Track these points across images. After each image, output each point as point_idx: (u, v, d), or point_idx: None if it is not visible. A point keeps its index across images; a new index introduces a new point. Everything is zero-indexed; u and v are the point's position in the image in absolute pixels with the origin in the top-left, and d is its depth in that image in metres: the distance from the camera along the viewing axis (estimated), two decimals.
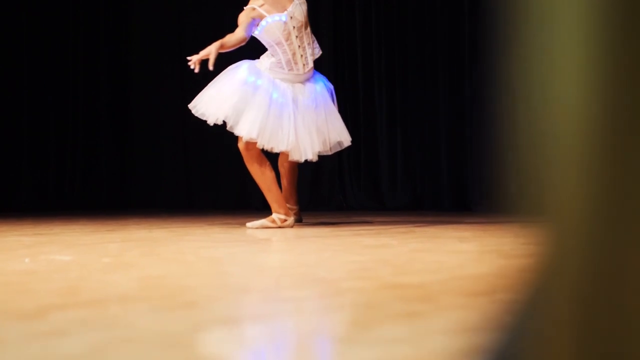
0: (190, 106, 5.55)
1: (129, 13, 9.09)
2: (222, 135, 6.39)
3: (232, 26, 5.60)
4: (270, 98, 5.47)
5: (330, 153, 5.72)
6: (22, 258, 3.53)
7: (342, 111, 5.83)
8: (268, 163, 5.57)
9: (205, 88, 5.58)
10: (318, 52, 5.71)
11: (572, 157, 0.70)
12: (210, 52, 5.42)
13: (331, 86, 5.77)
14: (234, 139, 5.64)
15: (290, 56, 5.56)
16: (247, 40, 5.54)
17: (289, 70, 5.57)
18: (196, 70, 5.44)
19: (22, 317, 2.01)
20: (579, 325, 0.69)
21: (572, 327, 0.69)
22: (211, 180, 8.68)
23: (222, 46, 5.48)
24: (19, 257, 3.58)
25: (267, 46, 5.62)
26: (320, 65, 6.00)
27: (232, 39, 5.52)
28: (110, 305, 2.20)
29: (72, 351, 1.60)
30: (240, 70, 5.57)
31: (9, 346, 1.67)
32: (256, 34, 5.56)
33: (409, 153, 7.81)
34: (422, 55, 7.76)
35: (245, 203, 8.24)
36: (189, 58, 5.49)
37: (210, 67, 5.38)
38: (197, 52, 5.48)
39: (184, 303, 2.26)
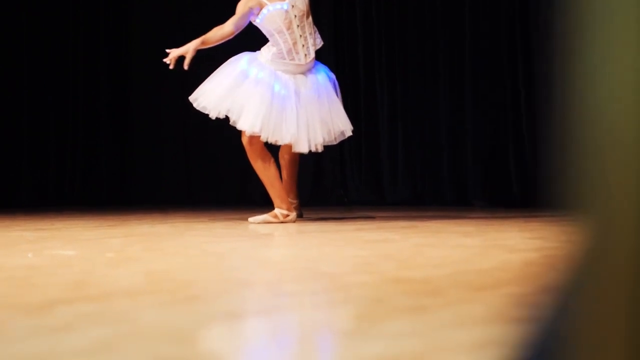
0: (190, 99, 5.52)
1: (129, 13, 9.07)
2: (223, 131, 6.37)
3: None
4: (272, 91, 5.45)
5: (335, 143, 5.70)
6: (25, 253, 3.52)
7: (343, 104, 5.80)
8: (271, 158, 5.56)
9: (206, 80, 5.54)
10: (319, 42, 5.67)
11: (624, 153, 0.69)
12: (187, 50, 5.35)
13: (333, 76, 5.73)
14: (235, 133, 5.63)
15: (291, 45, 5.53)
16: (235, 34, 5.46)
17: (290, 60, 5.54)
18: (171, 67, 5.39)
19: (28, 311, 2.00)
20: (627, 320, 0.68)
21: (619, 321, 0.68)
22: (212, 179, 8.66)
23: (203, 43, 5.40)
24: (22, 252, 3.58)
25: (267, 35, 5.58)
26: (320, 61, 5.97)
27: (217, 35, 5.44)
28: (115, 300, 2.20)
29: (78, 346, 1.60)
30: (241, 62, 5.54)
31: (16, 341, 1.66)
32: (257, 22, 5.53)
33: (410, 148, 7.81)
34: (423, 52, 7.75)
35: (246, 199, 8.23)
36: (168, 50, 5.43)
37: (185, 67, 5.30)
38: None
39: (188, 297, 2.26)
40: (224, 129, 5.79)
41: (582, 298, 0.70)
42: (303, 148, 5.45)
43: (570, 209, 0.72)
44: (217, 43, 5.46)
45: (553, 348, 0.71)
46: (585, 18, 0.72)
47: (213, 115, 5.45)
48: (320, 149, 5.54)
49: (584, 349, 0.69)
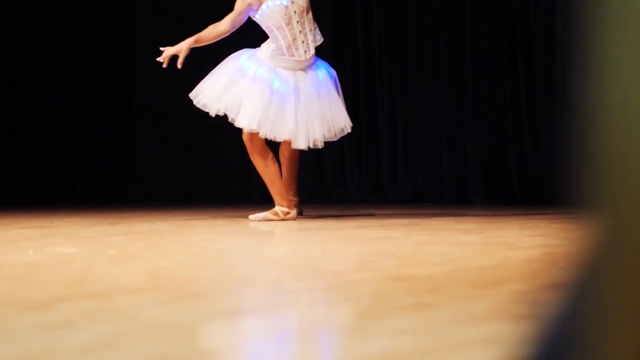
0: (191, 96, 5.51)
1: (129, 13, 9.05)
2: (222, 131, 6.36)
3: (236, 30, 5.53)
4: (270, 87, 5.43)
5: (335, 139, 5.69)
6: (26, 250, 3.52)
7: (345, 101, 5.78)
8: (272, 155, 5.55)
9: (206, 77, 5.54)
10: (320, 38, 5.65)
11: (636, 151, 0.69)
12: (180, 49, 5.36)
13: (334, 72, 5.71)
14: (235, 131, 5.61)
15: (290, 41, 5.51)
16: (231, 32, 5.45)
17: (290, 56, 5.52)
18: (164, 66, 5.40)
19: (29, 308, 2.00)
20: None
21: (631, 319, 0.67)
22: (211, 178, 8.65)
23: (197, 41, 5.41)
24: (22, 250, 3.57)
25: (267, 31, 5.56)
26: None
27: (212, 33, 5.44)
28: (116, 297, 2.19)
29: (79, 343, 1.59)
30: (241, 59, 5.53)
31: (17, 338, 1.65)
32: (257, 18, 5.51)
33: (410, 148, 7.80)
34: (423, 52, 7.74)
35: (246, 198, 8.22)
36: (162, 49, 5.44)
37: (179, 66, 5.31)
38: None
39: (190, 294, 2.25)
40: (223, 128, 5.78)
41: (594, 295, 0.70)
42: (302, 144, 5.44)
43: (585, 207, 0.71)
44: (212, 41, 5.46)
45: (564, 345, 0.71)
46: (604, 17, 0.71)
47: (212, 113, 5.45)
48: (320, 145, 5.53)
49: (595, 346, 0.69)
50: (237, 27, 5.46)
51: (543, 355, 0.72)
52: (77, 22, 8.83)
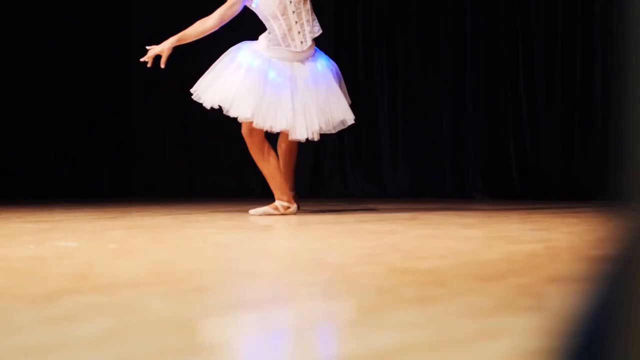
0: (192, 90, 5.52)
1: (129, 9, 9.03)
2: (223, 124, 6.35)
3: (234, 26, 5.52)
4: (265, 78, 5.40)
5: (334, 132, 5.65)
6: (27, 244, 3.51)
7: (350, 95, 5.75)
8: (272, 150, 5.53)
9: (206, 72, 5.54)
10: (318, 30, 5.60)
11: None
12: (163, 49, 5.38)
13: (335, 66, 5.67)
14: (236, 125, 5.60)
15: (285, 31, 5.47)
16: (219, 27, 5.43)
17: (286, 46, 5.48)
18: (149, 65, 5.44)
19: (33, 302, 1.99)
20: None
21: None
22: (213, 172, 8.64)
23: (180, 40, 5.41)
24: (24, 244, 3.57)
25: (263, 21, 5.52)
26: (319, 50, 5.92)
27: (197, 30, 5.44)
28: (120, 291, 2.19)
29: (85, 336, 1.59)
30: (238, 52, 5.51)
31: (22, 331, 1.65)
32: (253, 7, 5.48)
33: (411, 140, 7.79)
34: (424, 44, 7.73)
35: (247, 191, 8.21)
36: (148, 47, 5.47)
37: (162, 65, 5.34)
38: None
39: (194, 288, 2.25)
40: (224, 122, 5.77)
41: (626, 289, 0.69)
42: (300, 135, 5.41)
43: (618, 201, 0.70)
44: (198, 38, 5.46)
45: (602, 336, 0.70)
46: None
47: (207, 106, 5.45)
48: (316, 138, 5.49)
49: (628, 339, 0.68)
50: (226, 21, 5.43)
51: (578, 348, 0.72)
52: (76, 16, 8.81)
